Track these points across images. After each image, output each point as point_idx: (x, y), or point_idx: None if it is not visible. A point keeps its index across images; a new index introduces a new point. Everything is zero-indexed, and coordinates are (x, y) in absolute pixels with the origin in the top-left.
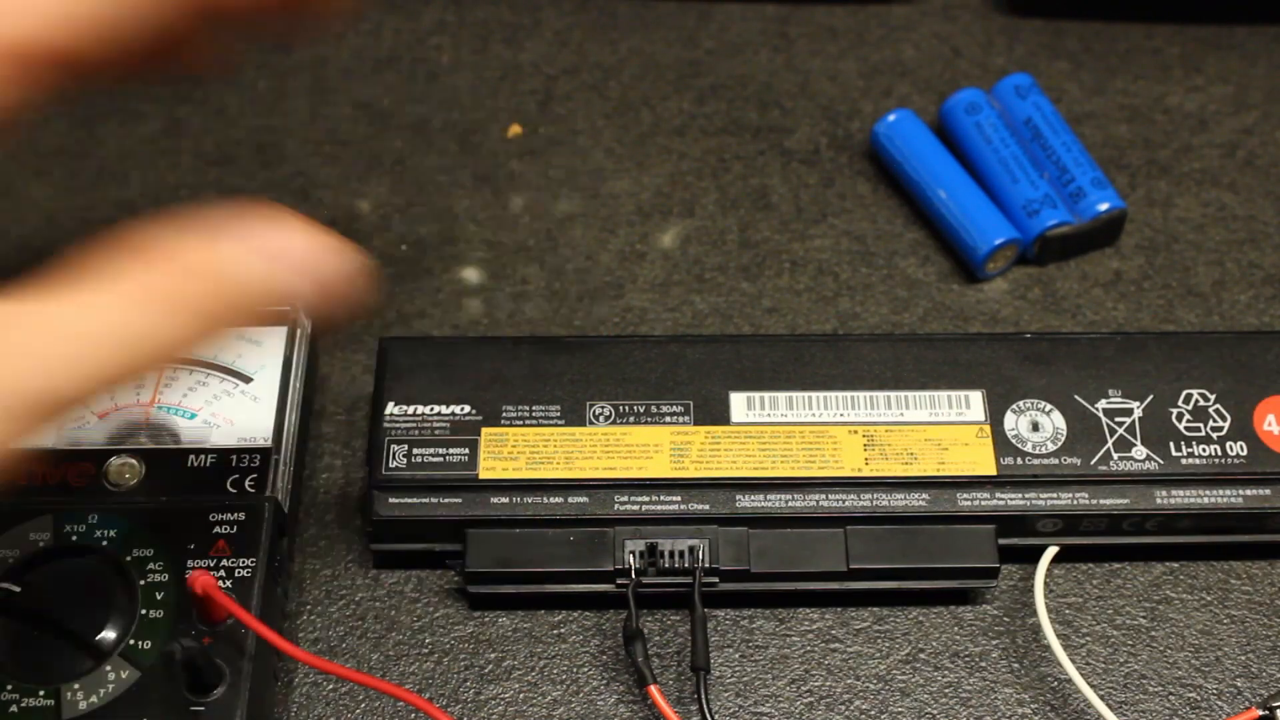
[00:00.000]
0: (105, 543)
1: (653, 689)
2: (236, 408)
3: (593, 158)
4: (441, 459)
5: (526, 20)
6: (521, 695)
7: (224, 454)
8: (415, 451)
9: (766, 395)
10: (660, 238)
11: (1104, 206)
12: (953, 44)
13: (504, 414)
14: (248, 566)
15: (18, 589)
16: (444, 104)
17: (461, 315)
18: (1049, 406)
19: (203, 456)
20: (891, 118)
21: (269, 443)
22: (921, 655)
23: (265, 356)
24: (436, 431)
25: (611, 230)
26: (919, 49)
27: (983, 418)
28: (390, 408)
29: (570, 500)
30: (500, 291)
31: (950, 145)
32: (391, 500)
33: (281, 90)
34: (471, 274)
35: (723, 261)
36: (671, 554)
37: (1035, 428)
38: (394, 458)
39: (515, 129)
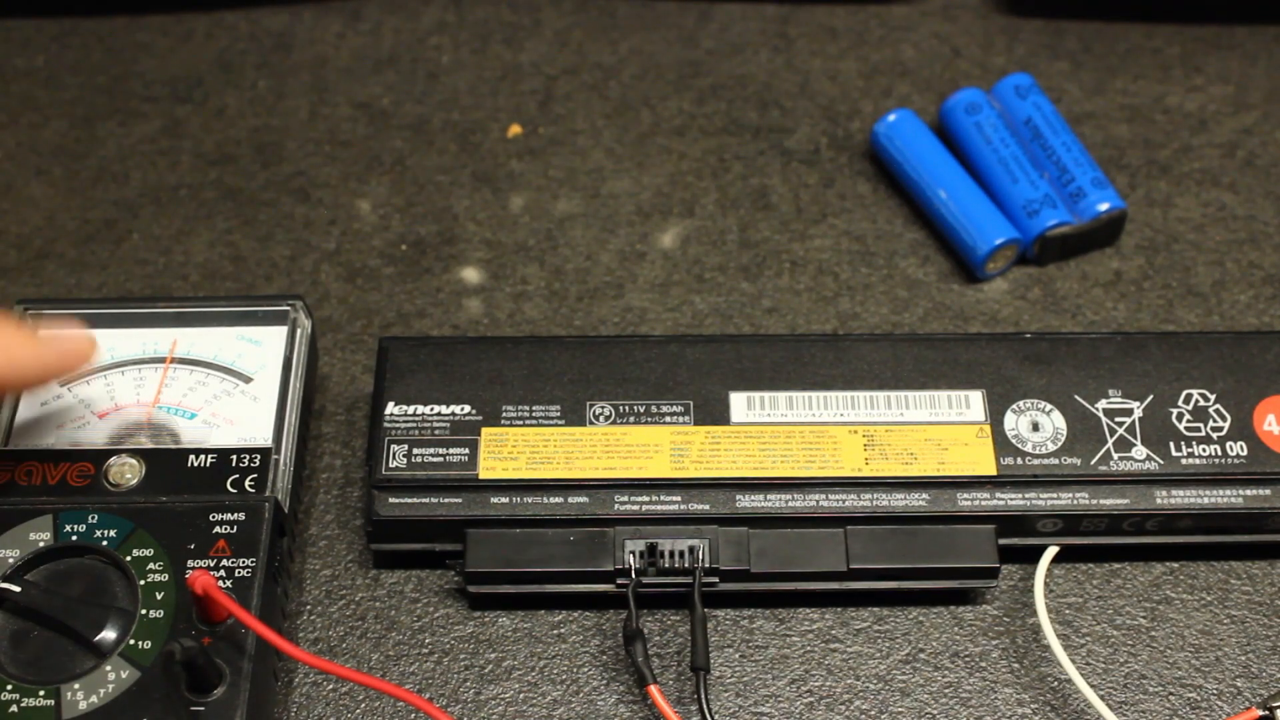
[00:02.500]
0: (105, 542)
1: (653, 689)
2: (237, 407)
3: (593, 158)
4: (441, 459)
5: (526, 20)
6: (521, 695)
7: (224, 454)
8: (415, 451)
9: (766, 395)
10: (660, 238)
11: (1104, 206)
12: (953, 44)
13: (504, 414)
14: (248, 566)
15: (18, 588)
16: (444, 104)
17: (461, 315)
18: (1049, 406)
19: (203, 456)
20: (891, 118)
21: (269, 443)
22: (921, 655)
23: (265, 356)
24: (436, 431)
25: (611, 230)
26: (919, 49)
27: (983, 418)
28: (390, 408)
29: (570, 500)
30: (500, 291)
31: (950, 145)
32: (392, 500)
33: (281, 90)
34: (471, 274)
35: (723, 261)
36: (671, 554)
37: (1035, 428)
38: (394, 458)
39: (515, 129)
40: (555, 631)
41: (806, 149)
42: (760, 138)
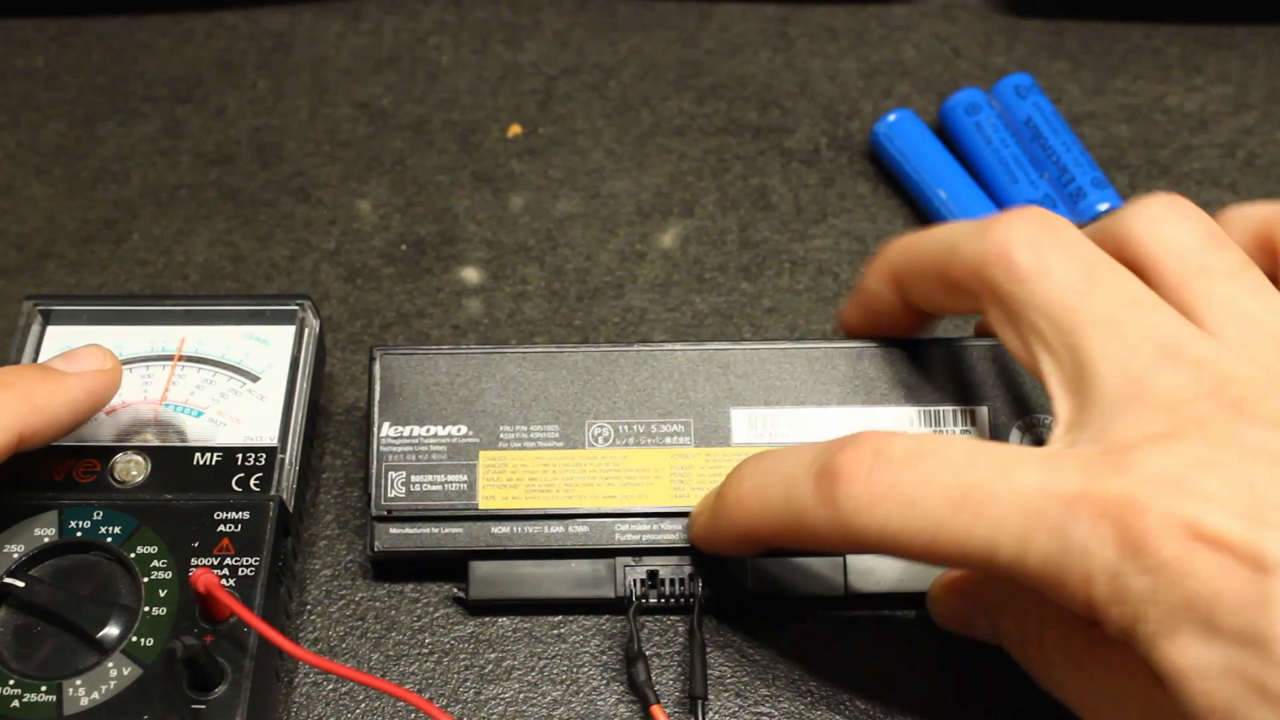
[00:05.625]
0: (110, 539)
1: (655, 709)
2: (243, 406)
3: (593, 158)
4: (440, 488)
5: (526, 20)
6: (521, 695)
7: (230, 452)
8: (414, 479)
9: (768, 413)
10: (660, 238)
11: (1104, 206)
12: (953, 44)
13: (502, 435)
14: (251, 565)
15: (22, 584)
16: (444, 104)
17: (461, 315)
18: (1050, 419)
19: (209, 454)
20: (891, 118)
21: (275, 442)
22: (922, 655)
23: (273, 355)
24: (434, 455)
25: (611, 230)
26: (919, 49)
27: (987, 435)
28: (385, 429)
29: (571, 530)
30: (500, 291)
31: (950, 145)
32: (393, 530)
33: (281, 90)
34: (471, 274)
35: (723, 261)
36: (672, 581)
37: (1041, 445)
38: (393, 486)
39: (515, 129)
40: (555, 632)
41: (806, 149)
42: (760, 138)
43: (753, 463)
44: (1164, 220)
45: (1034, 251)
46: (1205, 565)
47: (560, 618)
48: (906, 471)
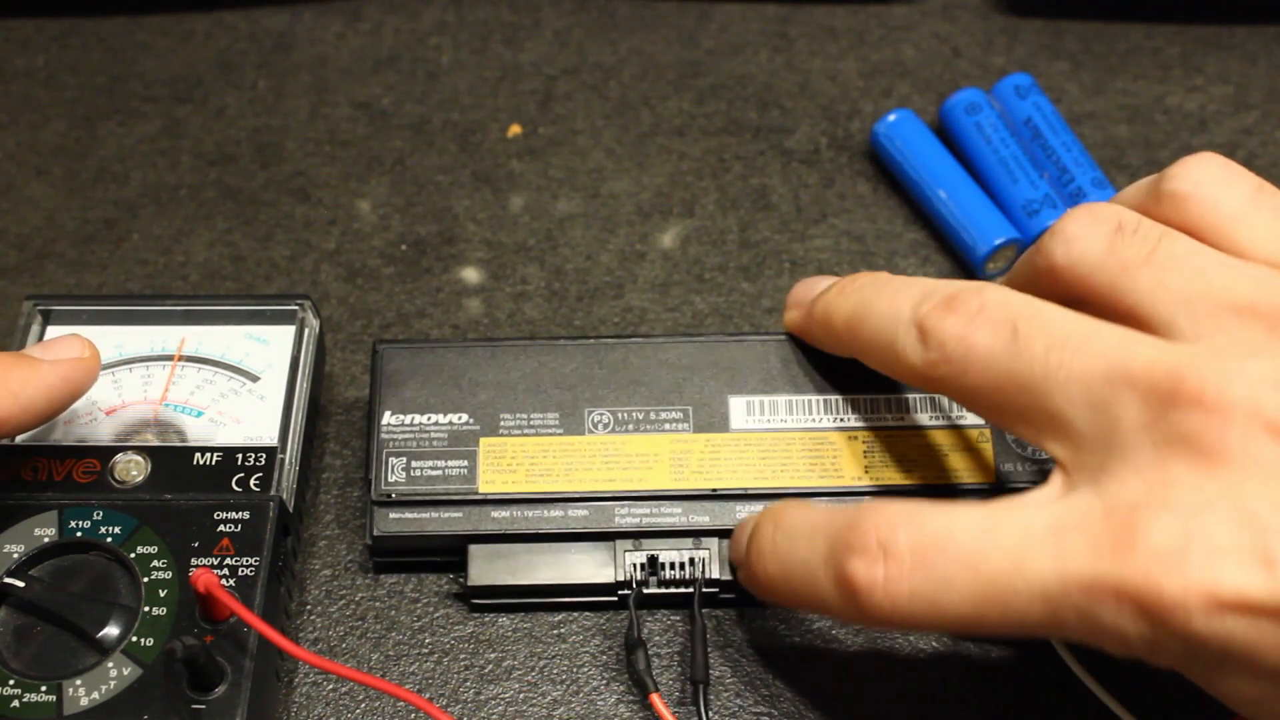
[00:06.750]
0: (110, 539)
1: (654, 697)
2: (243, 406)
3: (593, 158)
4: (441, 472)
5: (526, 20)
6: (521, 695)
7: (230, 452)
8: (414, 465)
9: (766, 399)
10: (660, 238)
11: None
12: (953, 44)
13: (502, 423)
14: (251, 565)
15: (22, 584)
16: (444, 104)
17: (461, 315)
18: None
19: (208, 454)
20: (891, 118)
21: (275, 442)
22: (922, 654)
23: (273, 355)
24: (435, 442)
25: (611, 230)
26: (919, 49)
27: (983, 421)
28: (387, 417)
29: (570, 514)
30: (500, 291)
31: (950, 145)
32: (392, 515)
33: (281, 90)
34: (471, 274)
35: (723, 261)
36: (673, 565)
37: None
38: (393, 471)
39: (515, 129)
40: (555, 631)
41: (806, 149)
42: (760, 138)
43: (769, 541)
44: (1072, 238)
45: (961, 344)
46: (1234, 627)
47: (560, 617)
48: (920, 576)
